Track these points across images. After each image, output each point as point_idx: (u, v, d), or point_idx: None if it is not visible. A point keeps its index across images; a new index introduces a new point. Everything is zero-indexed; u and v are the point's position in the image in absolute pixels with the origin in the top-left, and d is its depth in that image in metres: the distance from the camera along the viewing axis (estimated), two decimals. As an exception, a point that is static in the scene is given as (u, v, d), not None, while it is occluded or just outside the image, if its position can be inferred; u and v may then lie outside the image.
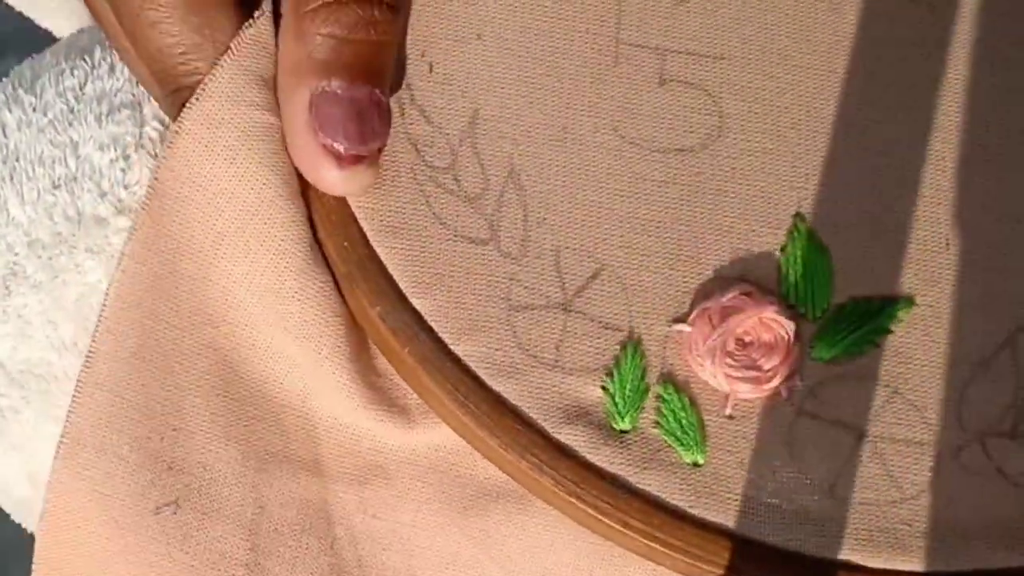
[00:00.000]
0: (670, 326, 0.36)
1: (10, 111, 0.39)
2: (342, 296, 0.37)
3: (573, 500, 0.35)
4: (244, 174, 0.36)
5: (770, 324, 0.36)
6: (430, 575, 0.37)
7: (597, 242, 0.37)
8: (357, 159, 0.35)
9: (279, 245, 0.36)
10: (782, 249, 0.37)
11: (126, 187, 0.38)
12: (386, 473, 0.37)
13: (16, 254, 0.38)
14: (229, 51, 0.35)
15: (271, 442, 0.37)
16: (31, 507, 0.40)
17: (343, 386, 0.37)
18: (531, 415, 0.35)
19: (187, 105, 0.35)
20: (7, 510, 0.41)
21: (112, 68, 0.39)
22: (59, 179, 0.38)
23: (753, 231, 0.37)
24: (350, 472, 0.37)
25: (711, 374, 0.36)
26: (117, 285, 0.36)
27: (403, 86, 0.37)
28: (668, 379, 0.36)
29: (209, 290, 0.36)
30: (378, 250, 0.36)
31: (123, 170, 0.38)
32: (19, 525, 0.42)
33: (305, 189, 0.37)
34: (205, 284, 0.36)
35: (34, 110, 0.39)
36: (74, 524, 0.36)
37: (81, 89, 0.39)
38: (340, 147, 0.35)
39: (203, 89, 0.35)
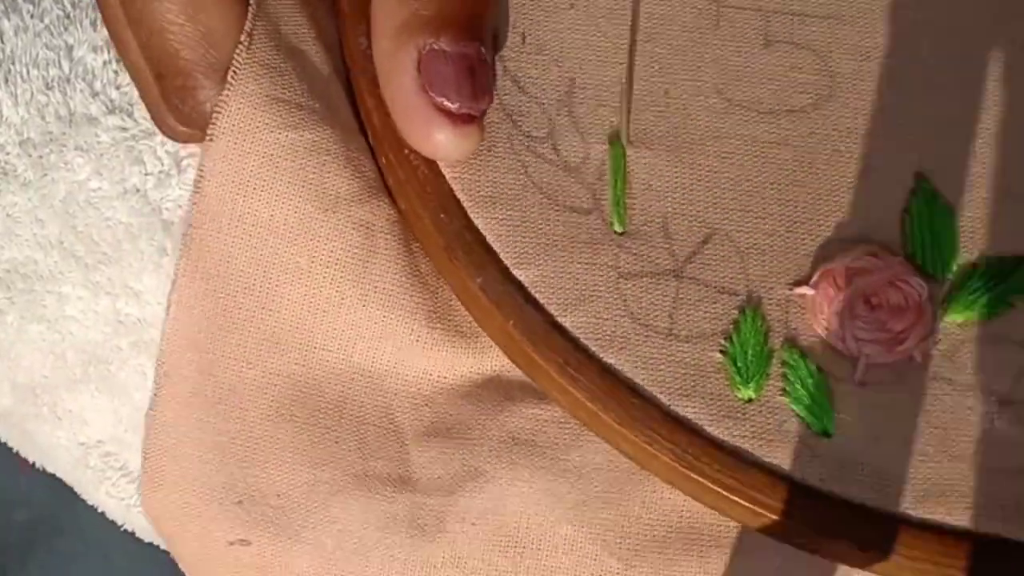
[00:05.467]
0: (791, 289, 0.34)
1: (8, 19, 0.39)
2: (412, 289, 0.35)
3: (694, 476, 0.32)
4: (277, 199, 0.34)
5: (900, 284, 0.33)
6: (544, 574, 0.34)
7: (707, 206, 0.35)
8: (469, 118, 0.33)
9: (330, 256, 0.35)
10: (905, 209, 0.35)
11: (118, 87, 0.37)
12: (483, 475, 0.35)
13: (7, 153, 0.38)
14: (229, 81, 0.34)
15: (350, 463, 0.35)
16: (13, 419, 0.40)
17: (430, 370, 0.35)
18: (646, 387, 0.33)
19: (204, 146, 0.35)
20: None
21: None
22: (52, 80, 0.38)
23: (873, 191, 0.35)
24: (444, 481, 0.35)
25: (838, 337, 0.33)
26: (169, 331, 0.35)
27: (495, 58, 0.36)
28: (792, 344, 0.33)
29: (270, 320, 0.35)
30: (477, 221, 0.34)
31: (116, 71, 0.38)
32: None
33: (390, 166, 0.35)
34: (265, 314, 0.35)
35: (31, 16, 0.39)
36: (174, 542, 0.36)
37: None
38: (453, 105, 0.33)
39: (214, 126, 0.34)
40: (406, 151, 0.35)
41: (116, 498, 0.40)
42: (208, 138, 0.35)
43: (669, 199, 0.35)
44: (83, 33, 0.38)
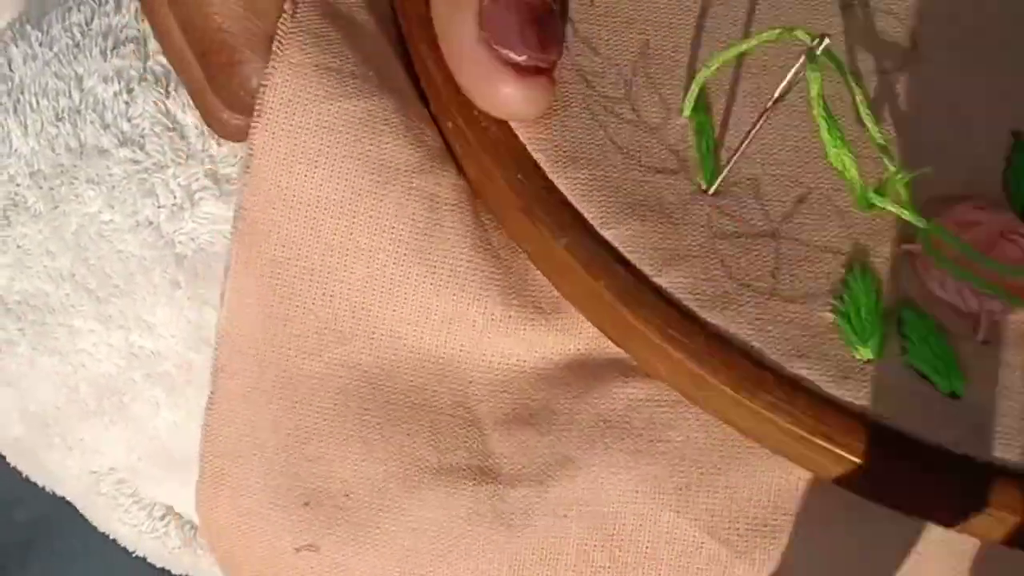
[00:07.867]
0: (899, 246, 0.32)
1: (16, 46, 0.38)
2: (483, 264, 0.32)
3: (818, 441, 0.29)
4: (331, 174, 0.32)
5: (1014, 237, 0.31)
6: (644, 571, 0.31)
7: (799, 166, 0.32)
8: (538, 71, 0.31)
9: (392, 233, 0.32)
10: (1008, 166, 0.33)
11: (129, 119, 0.36)
12: (573, 463, 0.31)
13: (18, 185, 0.37)
14: (275, 51, 0.32)
15: (423, 456, 0.32)
16: (23, 447, 0.38)
17: (508, 352, 0.32)
18: (757, 347, 0.30)
19: (251, 124, 0.32)
20: (1, 451, 0.40)
21: (118, 5, 0.38)
22: (63, 111, 0.37)
23: (971, 149, 0.33)
24: (530, 471, 0.31)
25: (956, 293, 0.31)
26: (224, 323, 0.32)
27: (566, 20, 0.34)
28: (908, 302, 0.31)
29: (332, 306, 0.32)
30: (557, 181, 0.32)
31: (127, 103, 0.36)
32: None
33: (458, 130, 0.32)
34: (327, 301, 0.32)
35: (40, 44, 0.38)
36: (234, 554, 0.32)
37: (87, 24, 0.38)
38: (520, 57, 0.31)
39: (262, 102, 0.32)
40: (475, 112, 0.32)
41: (128, 525, 0.38)
42: (256, 113, 0.32)
43: (758, 160, 0.32)
44: (93, 63, 0.37)
